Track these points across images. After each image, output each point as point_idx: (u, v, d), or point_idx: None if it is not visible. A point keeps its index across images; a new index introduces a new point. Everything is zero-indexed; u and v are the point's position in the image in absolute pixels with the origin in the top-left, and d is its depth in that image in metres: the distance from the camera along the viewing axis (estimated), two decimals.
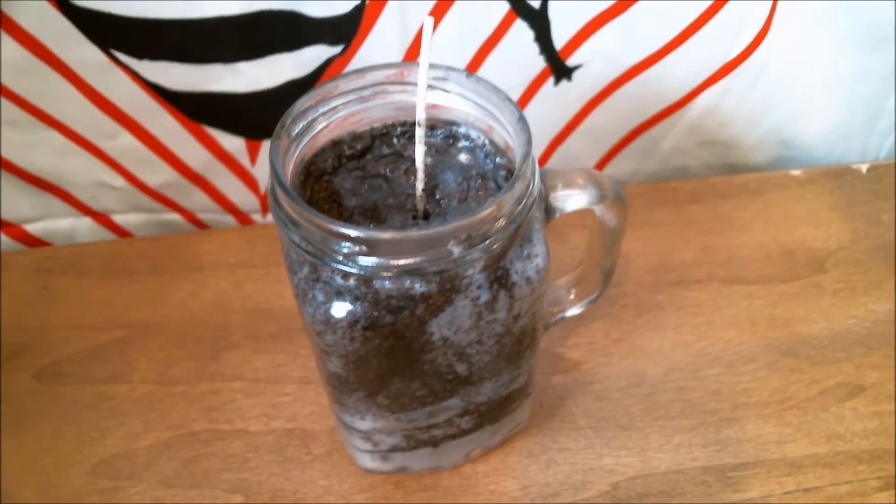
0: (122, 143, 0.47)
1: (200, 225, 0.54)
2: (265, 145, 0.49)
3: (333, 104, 0.29)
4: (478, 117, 0.30)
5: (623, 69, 0.47)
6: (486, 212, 0.24)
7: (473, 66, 0.46)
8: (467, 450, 0.36)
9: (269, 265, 0.47)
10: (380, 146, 0.31)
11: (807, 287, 0.44)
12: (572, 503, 0.36)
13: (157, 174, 0.50)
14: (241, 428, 0.40)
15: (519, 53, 0.45)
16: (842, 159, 0.54)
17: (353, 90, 0.29)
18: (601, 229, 0.33)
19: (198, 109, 0.46)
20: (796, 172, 0.51)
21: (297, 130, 0.28)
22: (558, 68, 0.47)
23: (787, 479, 0.37)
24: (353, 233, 0.24)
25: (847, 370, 0.41)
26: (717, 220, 0.48)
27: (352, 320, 0.26)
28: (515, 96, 0.48)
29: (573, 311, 0.37)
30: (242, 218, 0.54)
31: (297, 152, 0.28)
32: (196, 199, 0.52)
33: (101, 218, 0.53)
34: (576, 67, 0.47)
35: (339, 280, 0.26)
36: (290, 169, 0.27)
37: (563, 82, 0.48)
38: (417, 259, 0.24)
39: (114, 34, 0.42)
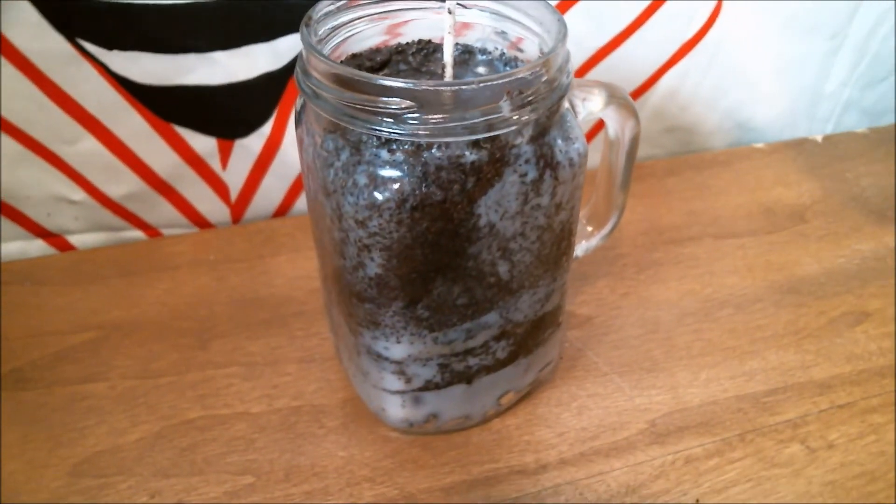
0: (84, 149, 0.45)
1: None
2: (237, 146, 0.47)
3: (352, 16, 0.29)
4: (494, 27, 0.30)
5: (590, 53, 0.49)
6: (536, 65, 0.24)
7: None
8: (500, 391, 0.34)
9: (252, 259, 0.45)
10: (397, 62, 0.30)
11: (793, 236, 0.46)
12: (613, 442, 0.34)
13: (121, 184, 0.47)
14: (242, 411, 0.36)
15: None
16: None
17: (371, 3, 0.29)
18: (616, 146, 0.33)
19: (168, 106, 0.45)
20: (759, 145, 0.54)
21: (321, 32, 0.27)
22: None
23: (820, 399, 0.36)
24: (405, 85, 0.23)
25: (849, 301, 0.41)
26: (696, 189, 0.49)
27: (400, 198, 0.25)
28: None
29: (589, 244, 0.36)
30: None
31: None
32: (161, 212, 0.49)
33: (56, 240, 0.49)
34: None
35: (384, 154, 0.25)
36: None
37: None
38: (469, 116, 0.24)
39: (82, 21, 0.40)
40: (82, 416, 0.36)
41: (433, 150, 0.24)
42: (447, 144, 0.24)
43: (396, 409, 0.32)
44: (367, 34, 0.30)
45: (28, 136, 0.43)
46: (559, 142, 0.27)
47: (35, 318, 0.41)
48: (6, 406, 0.36)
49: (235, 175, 0.49)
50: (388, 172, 0.25)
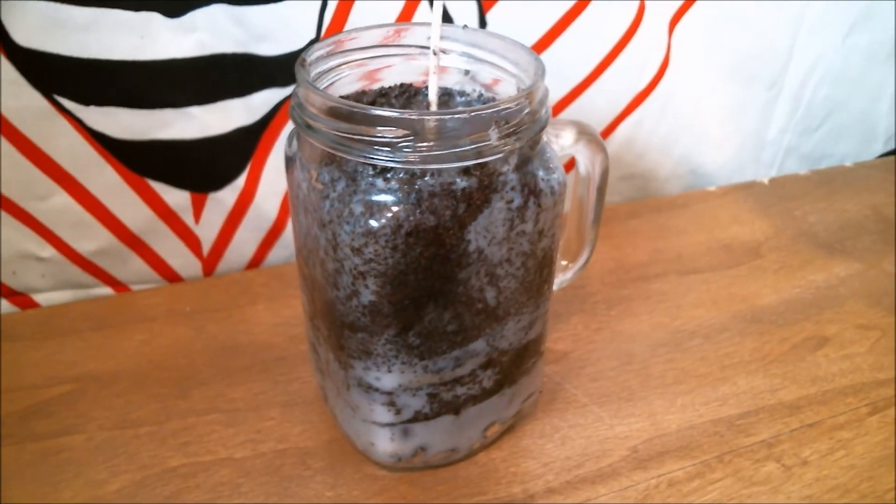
0: (55, 204, 0.45)
1: None
2: (211, 200, 0.48)
3: (339, 61, 0.30)
4: (471, 69, 0.32)
5: (551, 103, 0.52)
6: (521, 97, 0.26)
7: None
8: (486, 423, 0.34)
9: (230, 308, 0.45)
10: (381, 104, 0.32)
11: (751, 270, 0.48)
12: (597, 469, 0.35)
13: (92, 239, 0.47)
14: (226, 456, 0.36)
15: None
16: None
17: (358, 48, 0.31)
18: (587, 181, 0.35)
19: (143, 160, 0.45)
20: (712, 188, 0.57)
21: (313, 74, 0.29)
22: None
23: (791, 419, 0.38)
24: (400, 115, 0.24)
25: (808, 327, 0.43)
26: (658, 229, 0.52)
27: (396, 224, 0.26)
28: None
29: (564, 277, 0.38)
30: None
31: None
32: (132, 268, 0.49)
33: (21, 299, 0.48)
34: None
35: (380, 183, 0.26)
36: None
37: None
38: (460, 144, 0.25)
39: (60, 78, 0.40)
40: (57, 470, 0.35)
41: (426, 178, 0.26)
42: (440, 172, 0.26)
43: (385, 443, 0.32)
44: (350, 79, 0.31)
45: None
46: (540, 171, 0.28)
47: (7, 374, 0.40)
48: None
49: (208, 229, 0.49)
50: (383, 199, 0.26)
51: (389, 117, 0.25)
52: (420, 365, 0.30)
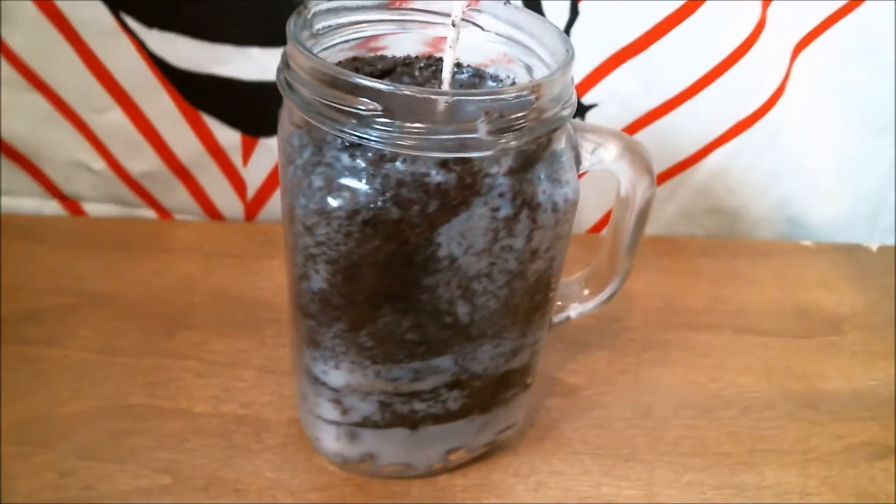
0: (110, 120, 0.45)
1: None
2: (261, 145, 0.46)
3: (358, 18, 0.27)
4: (510, 55, 0.28)
5: (637, 115, 0.46)
6: (522, 90, 0.22)
7: None
8: (447, 447, 0.31)
9: (247, 258, 0.43)
10: (401, 74, 0.28)
11: (823, 345, 0.41)
12: None
13: (142, 160, 0.47)
14: (185, 407, 0.34)
15: None
16: None
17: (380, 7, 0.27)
18: (626, 204, 0.30)
19: (198, 92, 0.44)
20: (807, 243, 0.49)
21: (318, 27, 0.26)
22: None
23: None
24: (375, 85, 0.21)
25: (873, 430, 0.36)
26: (728, 274, 0.45)
27: (352, 209, 0.23)
28: None
29: (583, 308, 0.33)
30: None
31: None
32: (177, 197, 0.49)
33: (71, 204, 0.49)
34: (591, 107, 0.46)
35: (345, 159, 0.23)
36: None
37: (576, 119, 0.47)
38: (440, 130, 0.21)
39: None
40: (27, 378, 0.35)
41: (397, 163, 0.22)
42: (413, 159, 0.22)
43: (330, 441, 0.30)
44: (370, 41, 0.28)
45: (61, 99, 0.43)
46: (544, 181, 0.24)
47: (21, 272, 0.40)
48: None
49: (255, 173, 0.48)
50: (345, 179, 0.23)
51: (362, 86, 0.21)
52: (372, 369, 0.27)
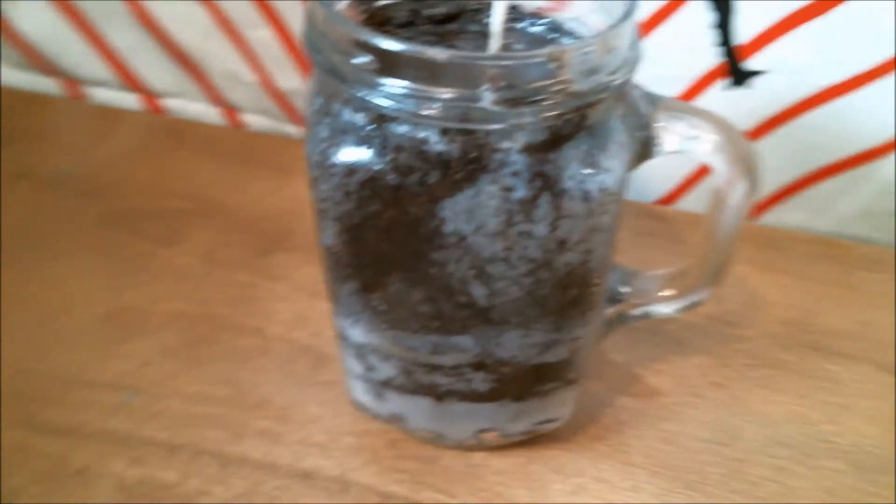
0: (262, 36, 0.46)
1: None
2: None
3: None
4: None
5: (813, 90, 0.38)
6: (541, 55, 0.18)
7: None
8: (478, 426, 0.29)
9: None
10: (467, 21, 0.25)
11: None
12: None
13: (289, 79, 0.48)
14: (261, 327, 0.36)
15: (689, 38, 0.38)
16: None
17: None
18: (720, 203, 0.25)
19: None
20: None
21: None
22: (734, 69, 0.39)
23: None
24: (364, 36, 0.19)
25: None
26: (889, 296, 0.37)
27: (348, 167, 0.21)
28: (673, 90, 0.40)
29: (659, 309, 0.29)
30: None
31: None
32: None
33: (231, 112, 0.52)
34: (755, 73, 0.38)
35: (347, 115, 0.21)
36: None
37: (736, 89, 0.39)
38: (437, 93, 0.19)
39: None
40: (137, 272, 0.38)
41: (396, 125, 0.20)
42: (414, 123, 0.20)
43: (360, 394, 0.29)
44: None
45: (220, 12, 0.46)
46: (574, 164, 0.21)
47: (154, 171, 0.44)
48: (93, 236, 0.40)
49: None
50: (346, 135, 0.21)
51: (359, 39, 0.19)
52: (390, 333, 0.25)
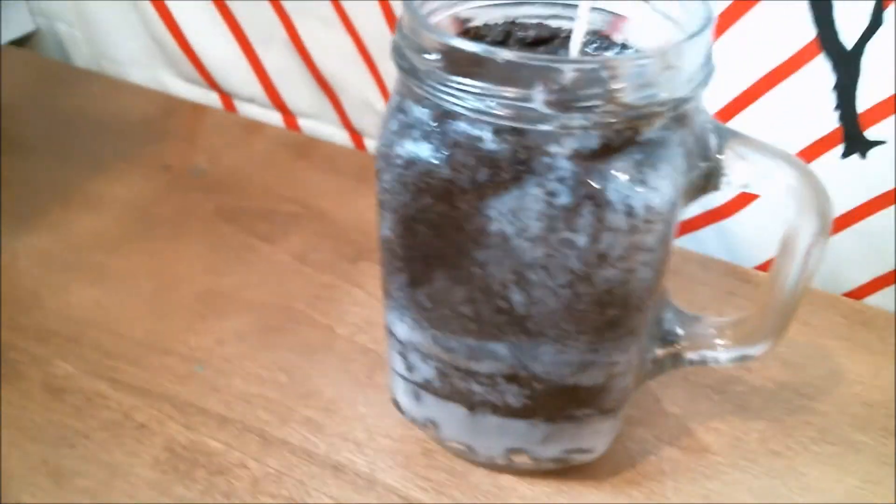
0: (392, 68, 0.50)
1: None
2: None
3: None
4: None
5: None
6: (596, 62, 0.19)
7: (748, 93, 0.39)
8: (509, 444, 0.29)
9: None
10: (557, 46, 0.27)
11: None
12: None
13: None
14: (330, 325, 0.38)
15: (807, 99, 0.37)
16: None
17: None
18: (789, 248, 0.25)
19: None
20: None
21: None
22: (853, 136, 0.37)
23: None
24: (435, 36, 0.21)
25: None
26: None
27: (409, 158, 0.23)
28: None
29: (713, 355, 0.28)
30: None
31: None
32: None
33: (357, 137, 0.55)
34: (877, 143, 0.37)
35: (416, 112, 0.23)
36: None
37: (854, 157, 0.38)
38: (494, 91, 0.20)
39: None
40: (236, 262, 0.41)
41: (457, 122, 0.22)
42: (471, 122, 0.21)
43: (400, 394, 0.30)
44: None
45: (361, 41, 0.50)
46: (621, 178, 0.21)
47: (272, 176, 0.48)
48: (204, 227, 0.43)
49: None
50: (412, 130, 0.23)
51: (429, 37, 0.21)
52: (430, 332, 0.26)
